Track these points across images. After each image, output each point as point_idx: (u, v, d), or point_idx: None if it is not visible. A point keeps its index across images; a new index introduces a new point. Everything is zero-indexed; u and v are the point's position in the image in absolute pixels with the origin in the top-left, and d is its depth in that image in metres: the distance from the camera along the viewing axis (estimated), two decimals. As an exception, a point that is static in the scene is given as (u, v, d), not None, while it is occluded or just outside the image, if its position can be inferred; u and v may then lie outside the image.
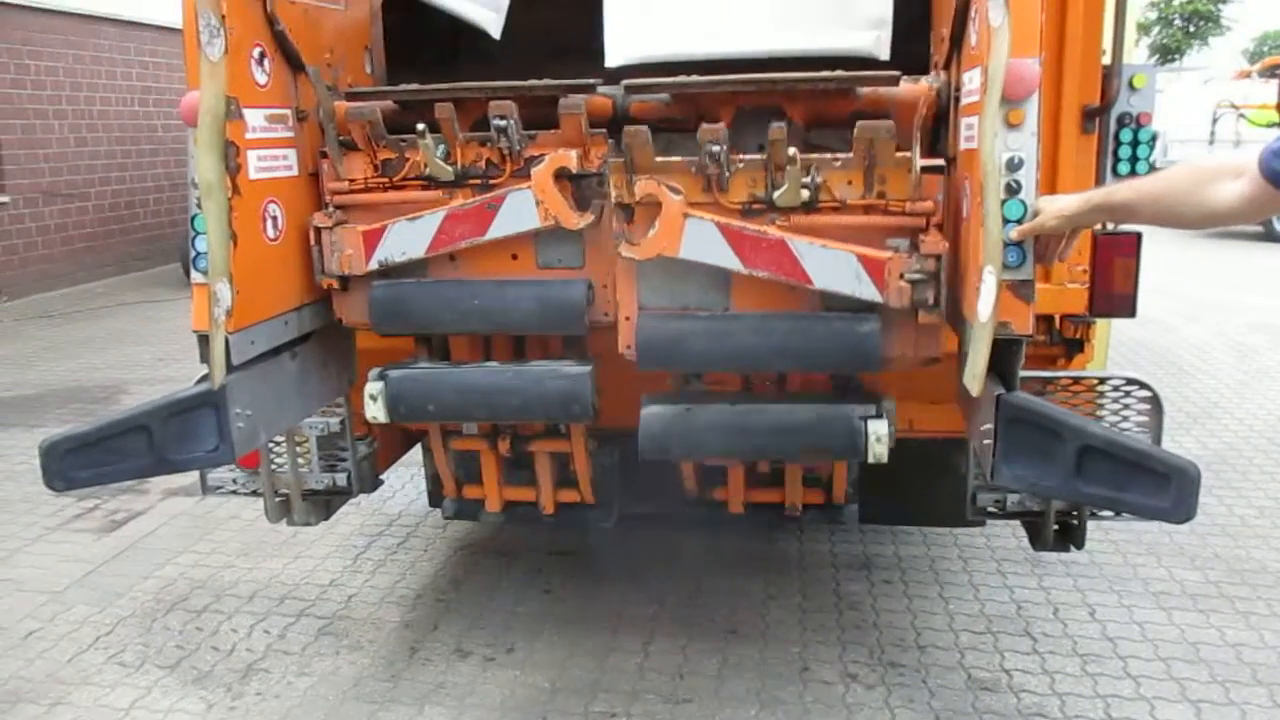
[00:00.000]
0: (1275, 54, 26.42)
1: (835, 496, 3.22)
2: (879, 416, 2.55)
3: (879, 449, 2.52)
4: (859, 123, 2.31)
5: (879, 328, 2.42)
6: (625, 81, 2.59)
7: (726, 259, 2.43)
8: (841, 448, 2.62)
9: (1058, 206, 2.10)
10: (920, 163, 2.32)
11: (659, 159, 2.44)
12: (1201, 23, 34.72)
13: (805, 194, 2.38)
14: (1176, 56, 33.66)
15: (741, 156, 2.43)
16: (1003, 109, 2.05)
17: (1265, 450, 5.57)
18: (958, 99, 2.41)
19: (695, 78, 2.56)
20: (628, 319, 2.59)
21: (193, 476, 3.03)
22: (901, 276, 2.34)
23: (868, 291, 2.38)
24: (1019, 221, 2.08)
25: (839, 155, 2.39)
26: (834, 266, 2.38)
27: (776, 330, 2.50)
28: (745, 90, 2.51)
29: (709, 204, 2.44)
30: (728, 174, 2.40)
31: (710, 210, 2.44)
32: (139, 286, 11.72)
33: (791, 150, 2.32)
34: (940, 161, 2.41)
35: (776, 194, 2.39)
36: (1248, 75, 17.32)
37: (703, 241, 2.43)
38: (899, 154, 2.35)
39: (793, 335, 2.50)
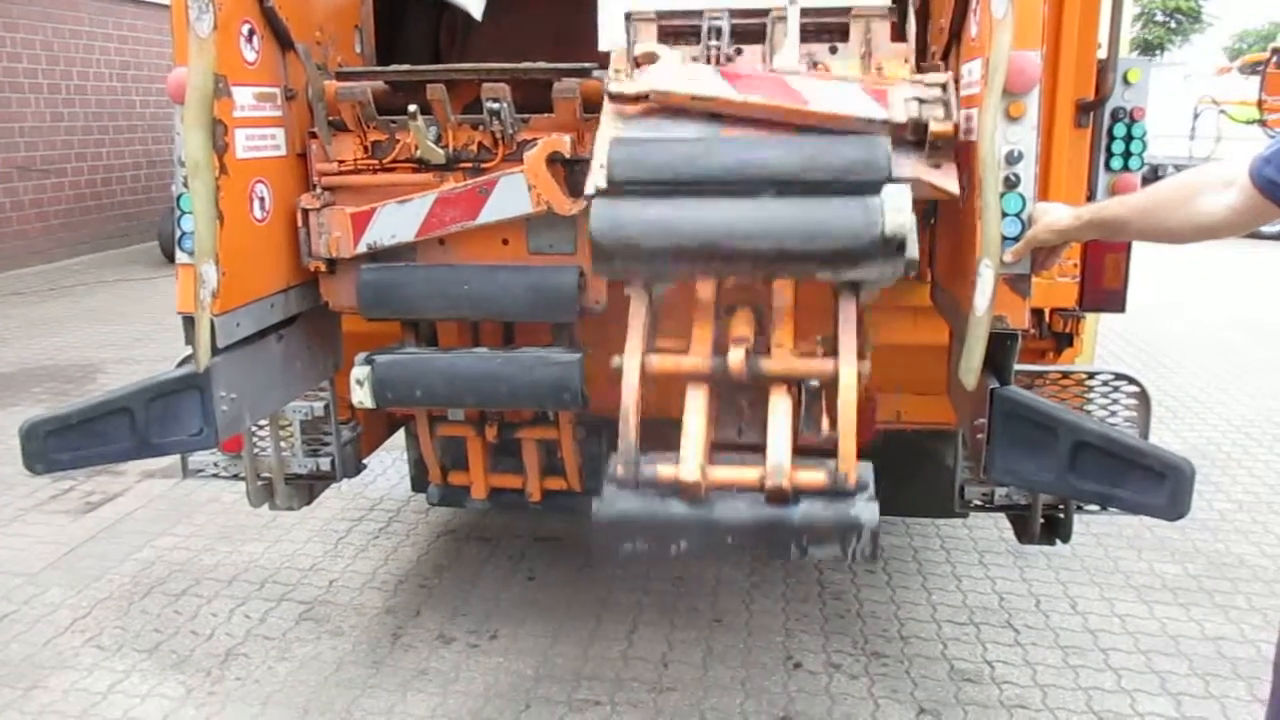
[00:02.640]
0: (1255, 51, 26.57)
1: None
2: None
3: None
4: None
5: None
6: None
7: None
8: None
9: (1049, 220, 2.07)
10: None
11: None
12: (1184, 19, 34.89)
13: None
14: (1158, 52, 33.80)
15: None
16: (1003, 101, 2.04)
17: (1244, 445, 5.62)
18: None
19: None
20: None
21: (171, 458, 2.99)
22: None
23: None
24: (1018, 215, 2.07)
25: None
26: None
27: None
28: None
29: None
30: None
31: None
32: (115, 264, 11.57)
33: None
34: None
35: None
36: (1228, 71, 17.41)
37: None
38: None
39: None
